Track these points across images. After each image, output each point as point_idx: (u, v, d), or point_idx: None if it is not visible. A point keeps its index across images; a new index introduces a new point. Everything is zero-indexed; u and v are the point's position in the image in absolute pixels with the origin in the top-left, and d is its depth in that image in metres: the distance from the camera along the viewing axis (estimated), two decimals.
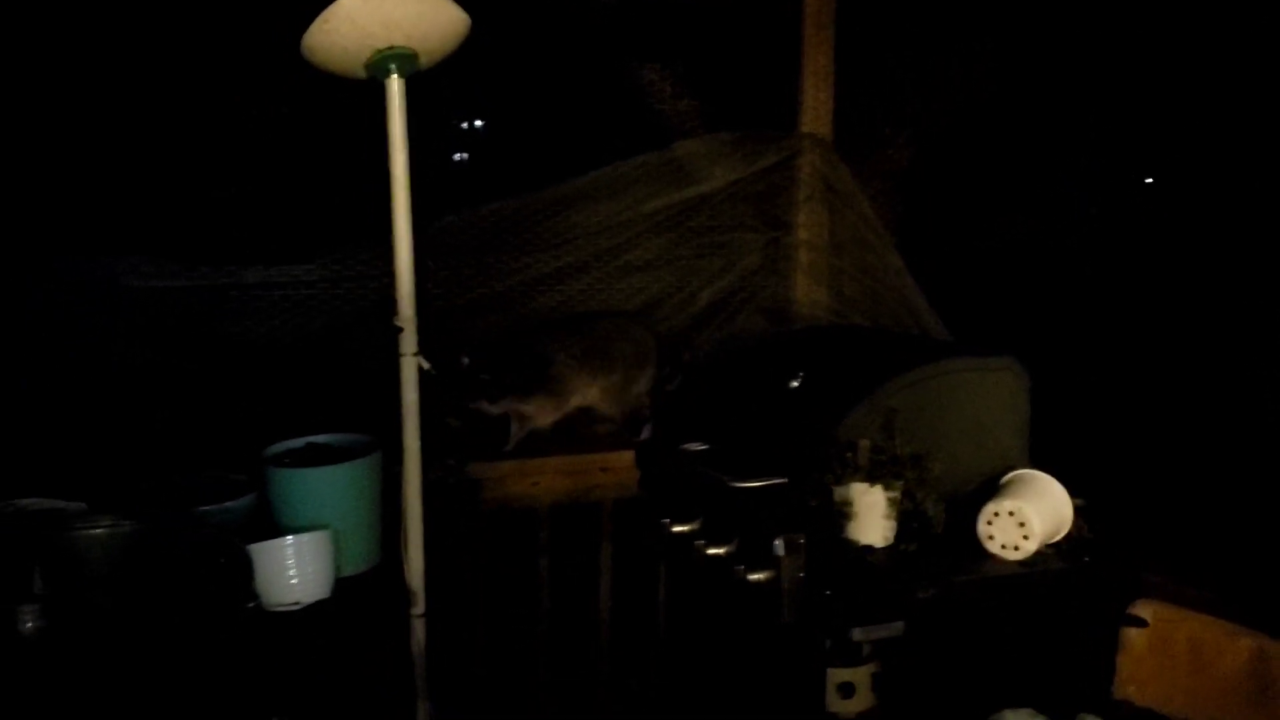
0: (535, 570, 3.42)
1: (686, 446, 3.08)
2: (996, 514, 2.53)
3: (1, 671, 2.44)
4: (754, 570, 2.54)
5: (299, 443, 2.97)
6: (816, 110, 3.89)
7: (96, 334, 3.16)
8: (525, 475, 3.41)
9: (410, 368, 2.83)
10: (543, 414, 3.40)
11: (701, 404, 3.32)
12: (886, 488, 2.43)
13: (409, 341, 2.83)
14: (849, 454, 2.44)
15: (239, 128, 3.45)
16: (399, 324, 2.82)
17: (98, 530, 2.53)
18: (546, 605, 3.45)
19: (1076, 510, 2.62)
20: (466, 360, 3.24)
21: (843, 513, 2.45)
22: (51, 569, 2.54)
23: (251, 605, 2.60)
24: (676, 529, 2.94)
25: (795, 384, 2.84)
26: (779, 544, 2.47)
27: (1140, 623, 2.50)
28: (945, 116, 4.52)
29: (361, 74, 2.75)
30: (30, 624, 2.47)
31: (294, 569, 2.58)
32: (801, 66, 3.85)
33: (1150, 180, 9.62)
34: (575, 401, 3.42)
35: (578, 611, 3.49)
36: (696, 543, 2.78)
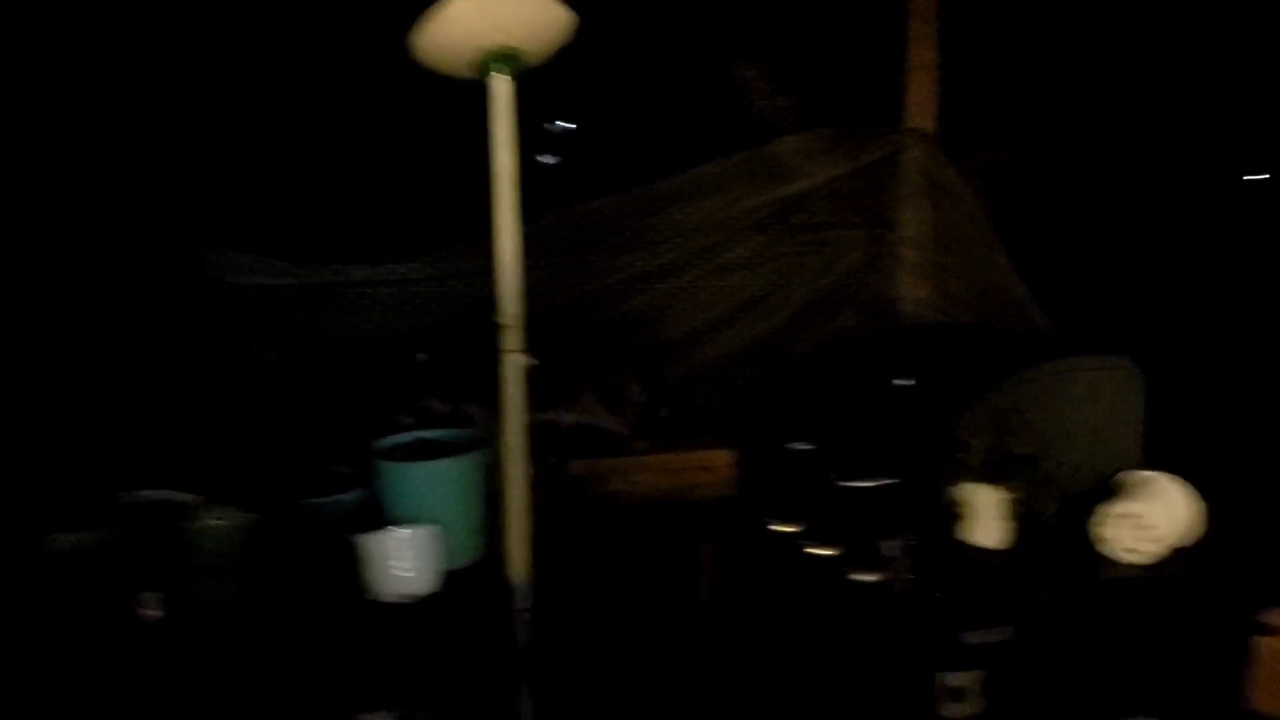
0: (635, 567, 3.41)
1: (792, 446, 3.05)
2: (1116, 516, 2.45)
3: (125, 657, 2.52)
4: (862, 572, 2.50)
5: (406, 437, 3.02)
6: (920, 105, 3.82)
7: (209, 330, 3.24)
8: (625, 473, 3.41)
9: (513, 365, 2.85)
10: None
11: (807, 403, 3.28)
12: (1002, 489, 2.38)
13: (512, 338, 2.85)
14: (963, 454, 2.39)
15: (351, 128, 3.51)
16: (502, 321, 2.84)
17: (216, 522, 2.60)
18: (646, 603, 3.44)
19: (1199, 513, 2.53)
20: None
21: (956, 514, 2.40)
22: (171, 558, 2.61)
23: (362, 596, 2.63)
24: (780, 529, 2.91)
25: (906, 383, 2.80)
26: (889, 545, 2.43)
27: (1271, 631, 2.41)
28: (1042, 111, 4.42)
29: (468, 74, 2.78)
30: (151, 611, 2.54)
31: (403, 562, 2.61)
32: (906, 61, 3.80)
33: (1254, 176, 9.27)
34: None
35: (678, 609, 3.47)
36: (802, 543, 2.75)
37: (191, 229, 3.34)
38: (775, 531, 2.91)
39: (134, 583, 2.58)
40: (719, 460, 3.45)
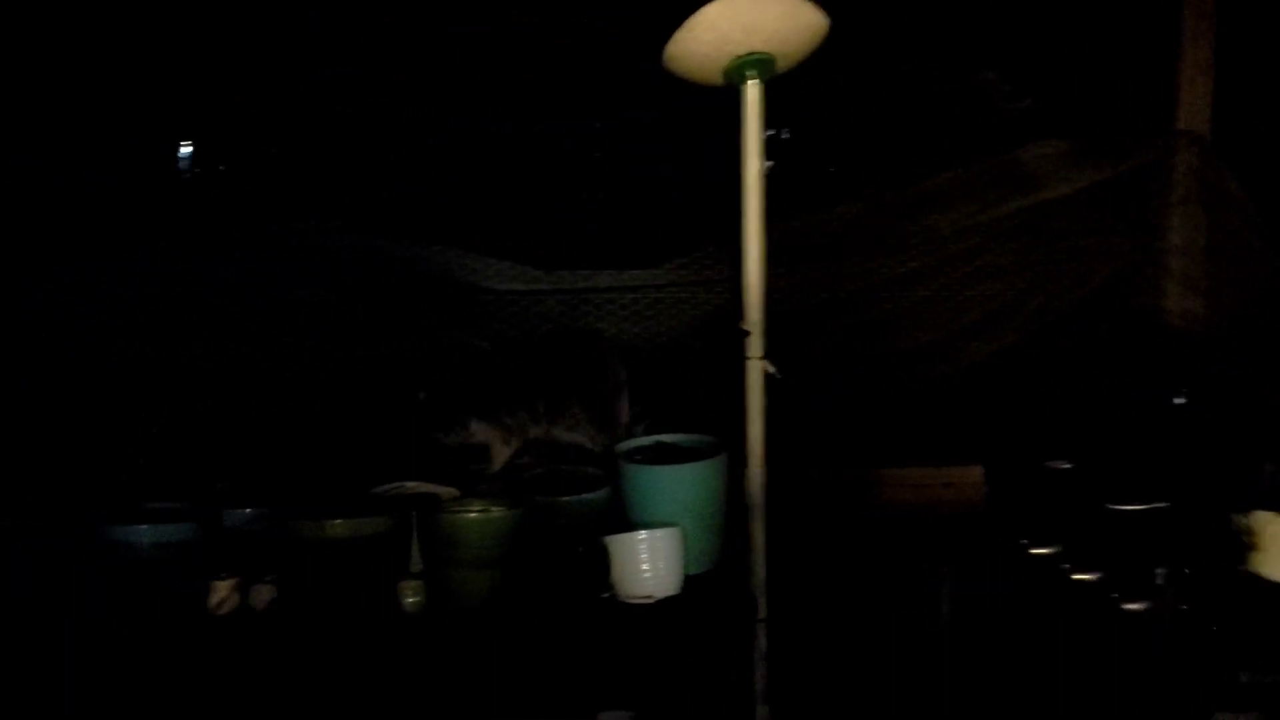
0: (874, 582, 3.32)
1: (1051, 464, 2.90)
2: None
3: (386, 643, 2.65)
4: (1130, 600, 2.35)
5: (648, 440, 3.05)
6: (1194, 106, 3.57)
7: (463, 332, 3.38)
8: (866, 487, 3.34)
9: (756, 371, 2.83)
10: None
11: (1065, 419, 3.11)
12: None
13: (755, 345, 2.84)
14: (1255, 478, 2.21)
15: (596, 135, 3.59)
16: (746, 328, 2.83)
17: (471, 515, 2.70)
18: (884, 618, 3.35)
19: None
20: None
21: (1245, 543, 2.21)
22: (429, 549, 2.73)
23: (606, 595, 2.67)
24: (1036, 551, 2.77)
25: (1179, 400, 2.61)
26: (1161, 573, 2.26)
27: None
28: None
29: (718, 80, 2.79)
30: (411, 600, 2.65)
31: (648, 564, 2.63)
32: (1180, 59, 3.55)
33: None
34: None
35: (917, 626, 3.36)
36: (1061, 566, 2.61)
37: (451, 233, 3.49)
38: (1031, 553, 2.77)
39: (394, 572, 2.71)
40: (966, 477, 3.32)
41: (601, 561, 2.65)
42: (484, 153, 3.58)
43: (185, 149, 3.53)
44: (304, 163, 3.49)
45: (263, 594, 2.67)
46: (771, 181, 2.81)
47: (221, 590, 2.65)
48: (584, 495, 2.83)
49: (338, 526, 2.66)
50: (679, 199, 3.52)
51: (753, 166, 2.80)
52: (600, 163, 3.65)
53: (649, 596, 2.66)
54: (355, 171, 3.49)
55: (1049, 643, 2.98)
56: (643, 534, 2.64)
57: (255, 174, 3.51)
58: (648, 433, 3.13)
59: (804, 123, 3.59)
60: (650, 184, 3.59)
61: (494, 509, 2.72)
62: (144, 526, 2.71)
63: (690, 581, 2.83)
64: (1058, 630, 2.84)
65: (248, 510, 2.86)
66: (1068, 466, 2.88)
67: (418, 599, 2.65)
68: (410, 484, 2.90)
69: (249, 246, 3.42)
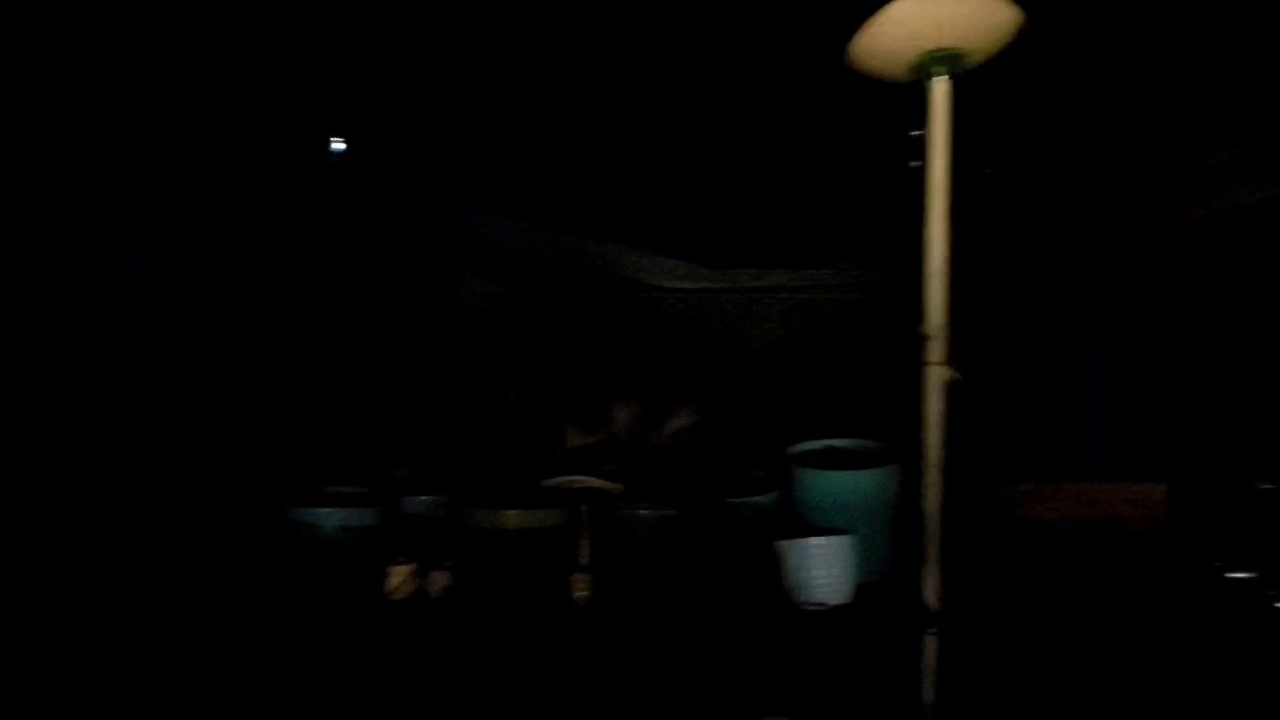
0: (1042, 598, 3.20)
1: (1264, 486, 2.73)
2: None
3: (557, 633, 2.67)
4: None
5: (819, 444, 3.00)
6: None
7: (635, 331, 3.40)
8: (1042, 499, 3.21)
9: (935, 377, 2.75)
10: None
11: (1262, 439, 2.93)
12: None
13: (936, 350, 2.75)
14: None
15: (771, 130, 3.55)
16: (926, 332, 2.75)
17: (641, 512, 2.70)
18: (1057, 636, 3.21)
19: None
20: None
21: None
22: (598, 544, 2.74)
23: (776, 600, 2.64)
24: (1232, 575, 2.61)
25: None
26: None
27: None
28: None
29: (904, 76, 2.72)
30: (581, 592, 2.67)
31: (821, 570, 2.59)
32: None
33: None
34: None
35: (1092, 648, 3.22)
36: (1264, 593, 2.45)
37: (621, 231, 3.50)
38: (1225, 576, 2.61)
39: (563, 565, 2.73)
40: (1149, 494, 3.16)
41: (773, 565, 2.61)
42: (653, 148, 3.57)
43: (338, 145, 3.64)
44: (477, 157, 3.55)
45: (438, 580, 2.72)
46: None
47: (399, 575, 2.72)
48: (753, 498, 2.80)
49: (513, 517, 2.70)
50: (853, 197, 3.45)
51: (938, 165, 2.72)
52: (772, 159, 3.60)
53: (821, 603, 2.61)
54: (527, 166, 3.53)
55: (1247, 673, 2.81)
56: (818, 540, 2.60)
57: (430, 167, 3.59)
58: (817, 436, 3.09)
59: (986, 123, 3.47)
60: (823, 181, 3.53)
61: (650, 507, 2.72)
62: (329, 510, 2.80)
63: (862, 589, 2.77)
64: (1259, 658, 2.68)
65: (426, 497, 2.93)
66: (1269, 487, 2.71)
67: (587, 592, 2.67)
68: (579, 478, 2.92)
69: (415, 238, 3.51)
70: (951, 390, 2.74)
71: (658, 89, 3.62)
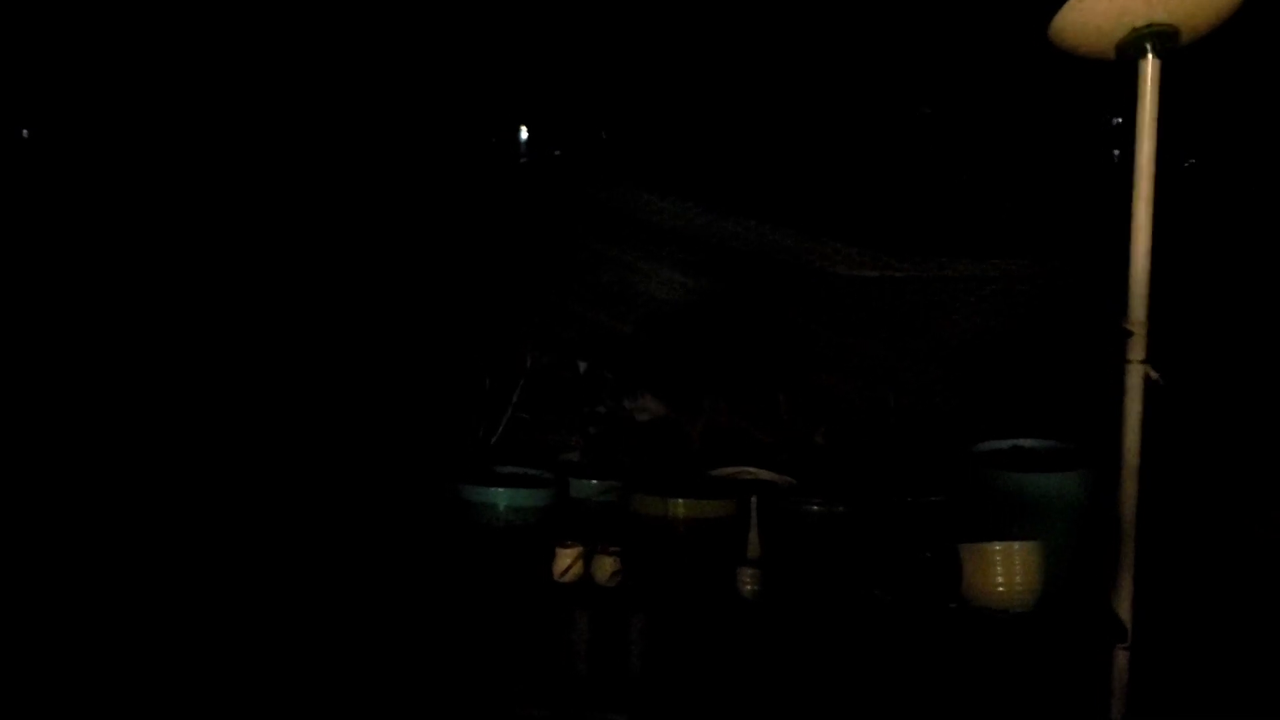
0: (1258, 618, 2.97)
1: None
2: None
3: (723, 628, 2.63)
4: None
5: (1004, 444, 2.85)
6: None
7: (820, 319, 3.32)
8: (1252, 515, 2.98)
9: (1136, 376, 2.58)
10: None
11: None
12: None
13: (1137, 347, 2.58)
14: None
15: (955, 118, 3.42)
16: (1129, 327, 2.58)
17: (814, 508, 2.63)
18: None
19: None
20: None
21: None
22: (768, 538, 2.68)
23: (954, 605, 2.52)
24: None
25: None
26: None
27: None
28: None
29: (1109, 55, 2.56)
30: (749, 587, 2.62)
31: (1003, 576, 2.46)
32: None
33: None
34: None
35: None
36: None
37: (798, 216, 3.43)
38: None
39: (732, 558, 2.68)
40: None
41: (952, 568, 2.50)
42: (834, 136, 3.49)
43: (523, 134, 3.69)
44: (664, 143, 3.55)
45: (605, 565, 2.71)
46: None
47: (567, 558, 2.72)
48: (931, 497, 2.69)
49: (681, 506, 2.67)
50: (1047, 184, 3.29)
51: (1145, 150, 2.55)
52: (963, 144, 3.47)
53: (1002, 610, 2.48)
54: (710, 153, 3.51)
55: None
56: (1000, 544, 2.47)
57: (618, 153, 3.61)
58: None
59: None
60: (1017, 167, 3.39)
61: (823, 504, 2.64)
62: (500, 489, 2.83)
63: (1045, 599, 2.62)
64: None
65: (594, 481, 2.92)
66: None
67: (756, 586, 2.61)
68: (749, 470, 2.86)
69: (599, 221, 3.52)
70: (1153, 391, 2.58)
71: (847, 70, 3.54)
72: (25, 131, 3.84)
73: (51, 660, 2.90)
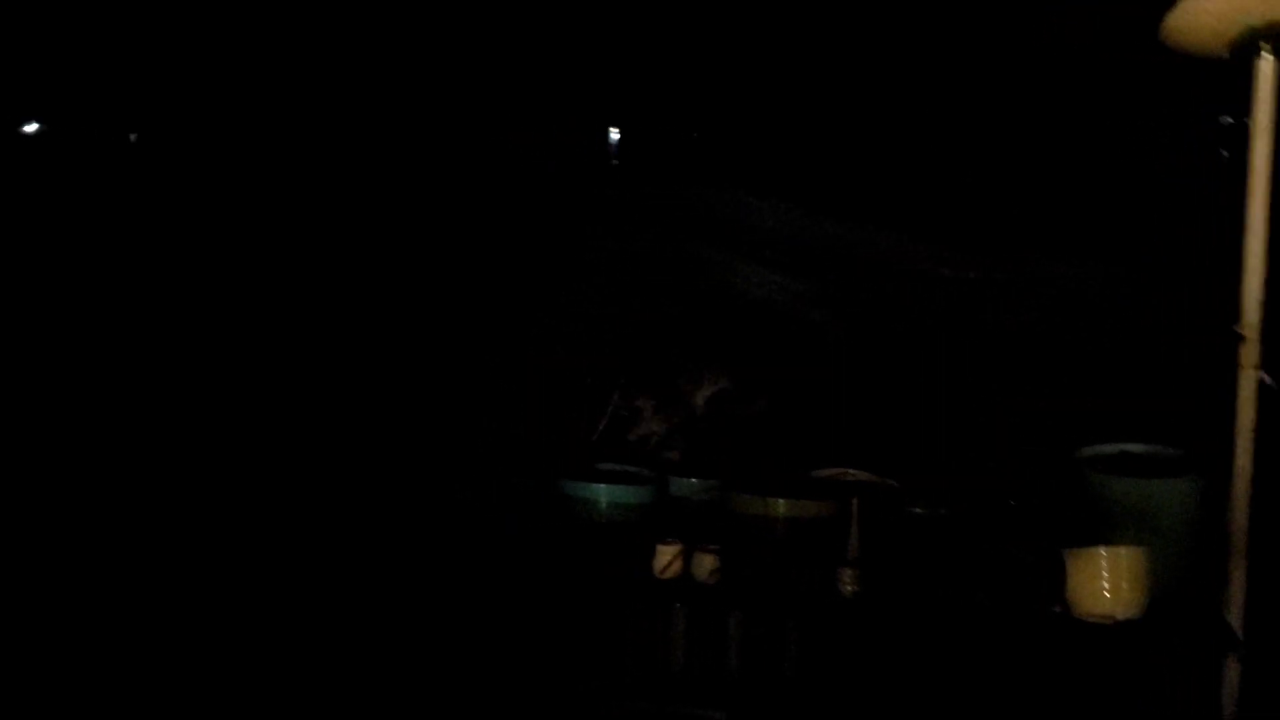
0: None
1: None
2: None
3: (822, 627, 2.65)
4: None
5: (1111, 448, 2.82)
6: None
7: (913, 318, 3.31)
8: None
9: (1249, 381, 2.53)
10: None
11: None
12: None
13: (1251, 353, 2.53)
14: None
15: (1065, 111, 3.37)
16: (1241, 331, 2.53)
17: (915, 510, 2.63)
18: None
19: None
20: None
21: None
22: (868, 539, 2.69)
23: (1057, 610, 2.50)
24: None
25: None
26: None
27: None
28: None
29: (1223, 54, 2.51)
30: (849, 587, 2.63)
31: (1108, 582, 2.43)
32: None
33: None
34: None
35: None
36: None
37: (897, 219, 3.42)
38: None
39: (832, 558, 2.70)
40: None
41: (1055, 573, 2.48)
42: (932, 135, 3.47)
43: (614, 134, 3.73)
44: (749, 137, 3.57)
45: (705, 563, 2.74)
46: None
47: (667, 554, 2.76)
48: (1035, 500, 2.68)
49: (783, 506, 2.69)
50: (1154, 184, 3.23)
51: (1260, 150, 2.50)
52: (1066, 142, 3.42)
53: (1107, 616, 2.45)
54: (802, 149, 3.52)
55: None
56: (1107, 550, 2.44)
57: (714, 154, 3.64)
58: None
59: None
60: (1124, 165, 3.33)
61: (925, 508, 2.65)
62: (602, 486, 2.89)
63: (1153, 607, 2.58)
64: None
65: (694, 480, 2.96)
66: None
67: (856, 587, 2.63)
68: (850, 471, 2.87)
69: (694, 222, 3.55)
70: (1266, 396, 2.52)
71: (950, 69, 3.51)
72: (133, 135, 3.93)
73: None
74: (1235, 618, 2.54)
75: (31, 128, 3.94)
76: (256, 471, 3.41)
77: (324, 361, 3.61)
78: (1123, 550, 2.45)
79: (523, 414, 3.45)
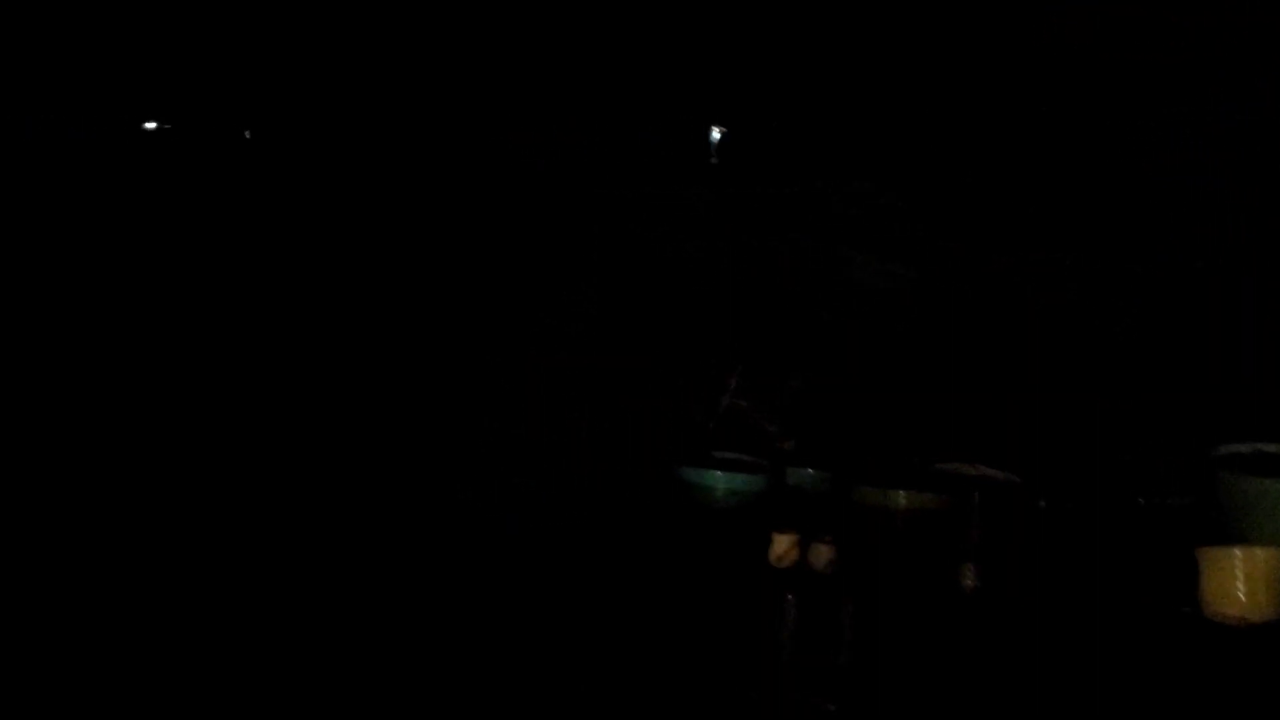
0: None
1: None
2: None
3: (939, 620, 2.63)
4: None
5: (1245, 447, 2.73)
6: None
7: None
8: None
9: None
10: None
11: None
12: None
13: None
14: None
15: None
16: None
17: (1040, 505, 2.59)
18: None
19: None
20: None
21: None
22: (989, 534, 2.66)
23: (1188, 610, 2.44)
24: None
25: None
26: None
27: None
28: None
29: None
30: (969, 581, 2.60)
31: (1243, 583, 2.36)
32: None
33: None
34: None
35: None
36: None
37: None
38: None
39: (953, 553, 2.67)
40: None
41: (1187, 573, 2.41)
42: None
43: (715, 134, 3.73)
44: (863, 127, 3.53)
45: (822, 554, 2.74)
46: None
47: (783, 544, 2.76)
48: (1167, 500, 2.61)
49: (902, 498, 2.67)
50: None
51: None
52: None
53: (1240, 619, 2.38)
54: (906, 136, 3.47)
55: None
56: (1242, 550, 2.37)
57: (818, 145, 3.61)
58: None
59: None
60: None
61: (1046, 503, 2.60)
62: (718, 473, 2.90)
63: None
64: None
65: (810, 470, 2.95)
66: None
67: (976, 582, 2.60)
68: (972, 465, 2.84)
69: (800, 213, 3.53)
70: None
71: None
72: (248, 133, 3.96)
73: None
74: None
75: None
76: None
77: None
78: (1259, 551, 2.37)
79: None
